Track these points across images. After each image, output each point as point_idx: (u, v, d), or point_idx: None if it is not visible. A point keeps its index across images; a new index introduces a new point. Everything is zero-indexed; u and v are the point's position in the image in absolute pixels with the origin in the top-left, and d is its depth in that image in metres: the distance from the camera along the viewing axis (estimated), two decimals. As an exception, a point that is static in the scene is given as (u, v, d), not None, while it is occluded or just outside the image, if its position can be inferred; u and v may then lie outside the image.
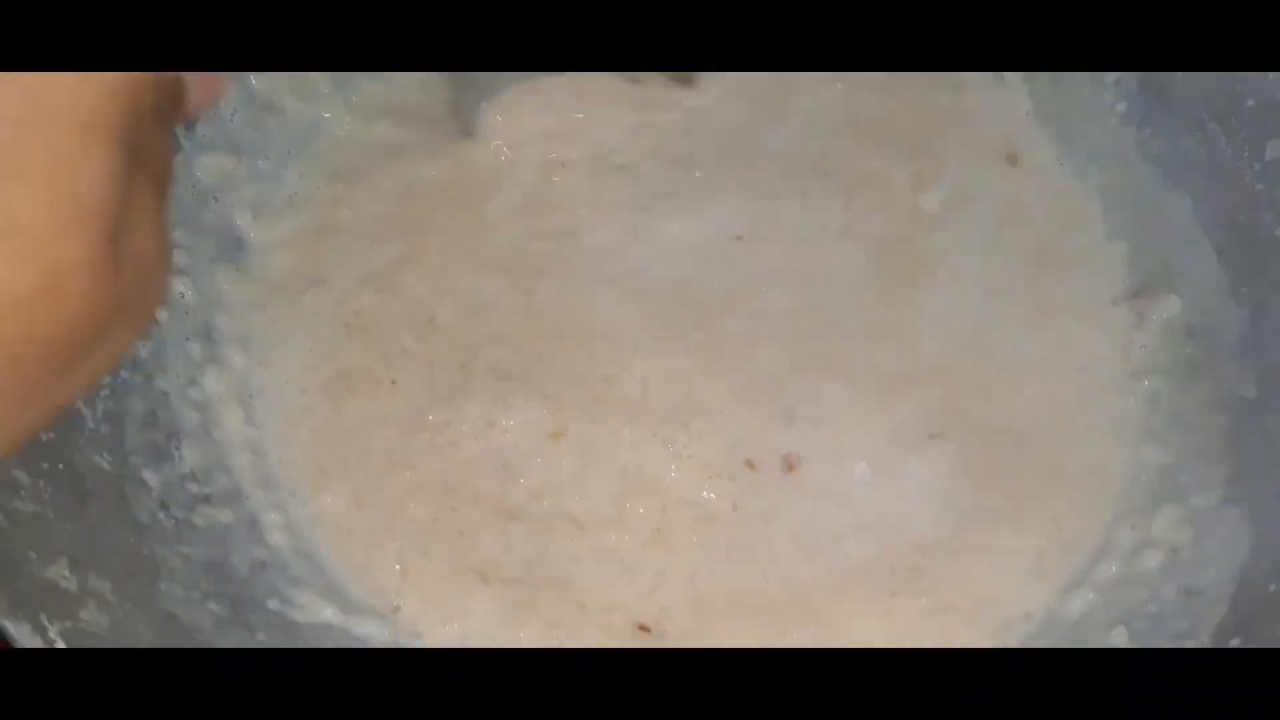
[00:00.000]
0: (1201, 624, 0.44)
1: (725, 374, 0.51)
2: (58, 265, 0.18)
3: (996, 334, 0.53)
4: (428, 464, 0.49)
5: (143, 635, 0.40)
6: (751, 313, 0.53)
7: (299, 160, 0.55)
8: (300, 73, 0.55)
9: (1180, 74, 0.52)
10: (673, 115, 0.57)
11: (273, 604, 0.45)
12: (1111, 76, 0.55)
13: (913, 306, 0.53)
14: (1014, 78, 0.57)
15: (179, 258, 0.50)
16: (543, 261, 0.54)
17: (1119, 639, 0.45)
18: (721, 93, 0.58)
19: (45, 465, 0.40)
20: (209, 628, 0.42)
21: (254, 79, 0.53)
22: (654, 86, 0.57)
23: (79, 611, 0.38)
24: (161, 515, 0.44)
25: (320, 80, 0.55)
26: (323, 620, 0.45)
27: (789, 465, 0.50)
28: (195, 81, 0.25)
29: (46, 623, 0.36)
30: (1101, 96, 0.55)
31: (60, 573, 0.38)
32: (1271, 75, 0.48)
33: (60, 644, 0.36)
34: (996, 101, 0.58)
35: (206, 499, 0.47)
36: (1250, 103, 0.49)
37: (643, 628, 0.47)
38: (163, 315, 0.48)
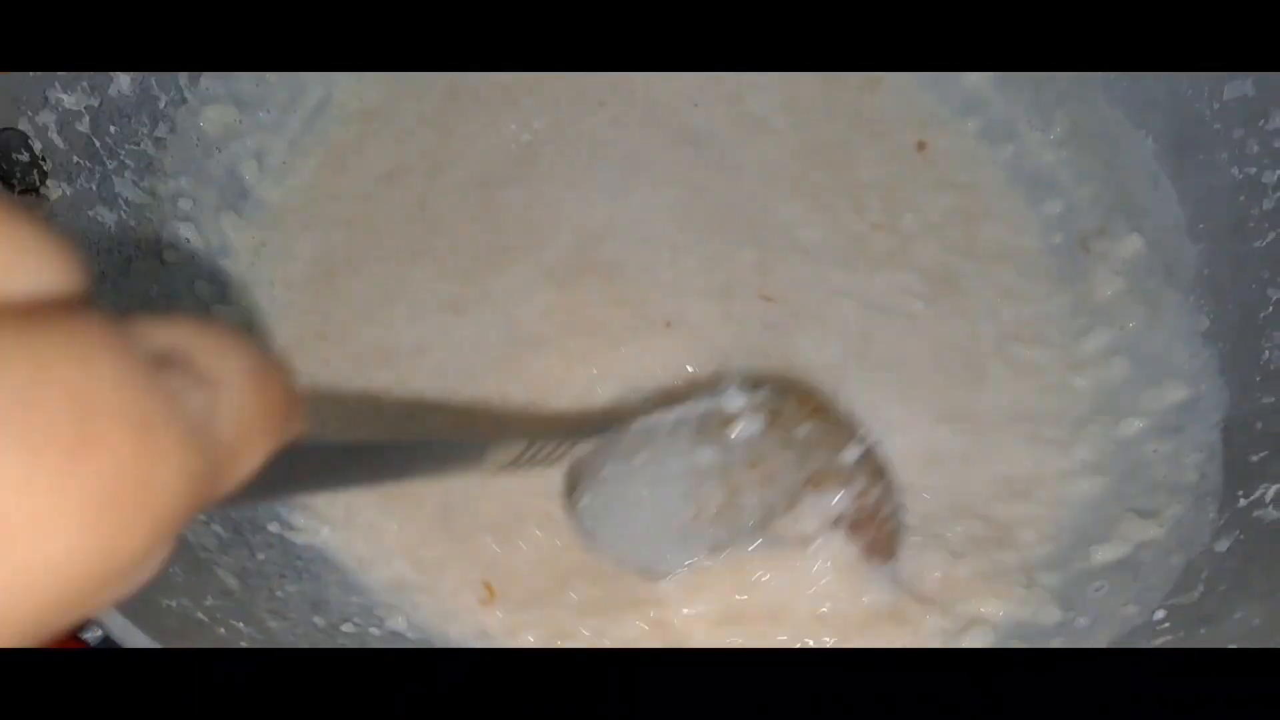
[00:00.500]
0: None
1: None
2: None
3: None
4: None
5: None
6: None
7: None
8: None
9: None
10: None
11: (273, 527, 0.48)
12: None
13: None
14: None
15: (184, 205, 0.53)
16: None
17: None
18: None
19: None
20: (213, 547, 0.45)
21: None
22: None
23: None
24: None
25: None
26: (319, 540, 0.48)
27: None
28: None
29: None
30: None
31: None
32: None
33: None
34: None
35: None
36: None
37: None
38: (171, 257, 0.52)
